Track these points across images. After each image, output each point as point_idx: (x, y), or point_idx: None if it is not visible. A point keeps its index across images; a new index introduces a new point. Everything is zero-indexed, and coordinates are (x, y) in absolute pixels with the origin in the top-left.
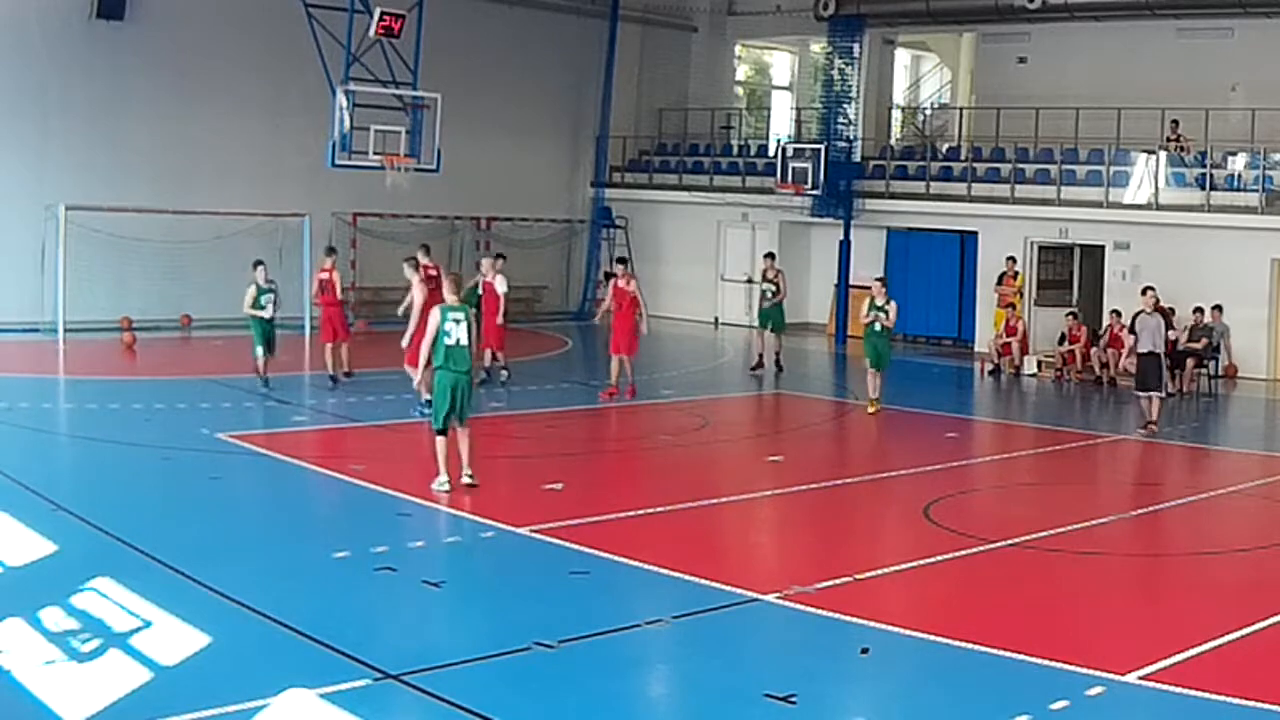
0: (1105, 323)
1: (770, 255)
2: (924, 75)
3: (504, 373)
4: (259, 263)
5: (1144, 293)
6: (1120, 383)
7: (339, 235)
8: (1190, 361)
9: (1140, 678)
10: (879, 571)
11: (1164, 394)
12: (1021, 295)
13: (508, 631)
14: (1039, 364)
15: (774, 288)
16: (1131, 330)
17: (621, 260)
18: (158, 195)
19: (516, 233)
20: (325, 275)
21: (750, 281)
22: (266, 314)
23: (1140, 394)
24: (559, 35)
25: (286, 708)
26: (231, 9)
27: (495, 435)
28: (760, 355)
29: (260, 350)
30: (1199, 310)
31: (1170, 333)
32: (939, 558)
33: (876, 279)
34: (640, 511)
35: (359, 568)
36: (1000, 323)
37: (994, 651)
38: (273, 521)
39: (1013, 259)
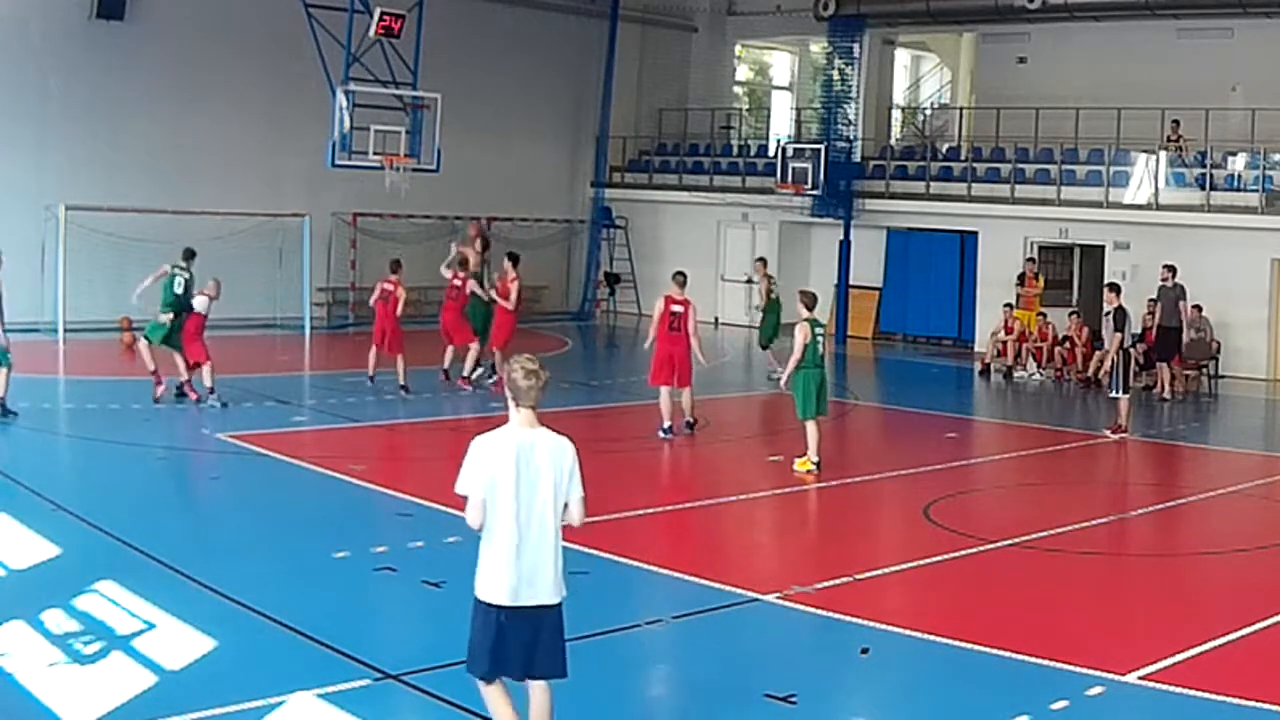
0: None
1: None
2: (924, 75)
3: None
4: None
5: (1111, 290)
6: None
7: (339, 235)
8: (1177, 360)
9: (1140, 678)
10: (879, 571)
11: (1125, 393)
12: (1039, 297)
13: None
14: (1038, 364)
15: None
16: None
17: (513, 256)
18: (158, 195)
19: (516, 233)
20: (390, 288)
21: (750, 282)
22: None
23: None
24: (559, 35)
25: (287, 708)
26: (231, 9)
27: None
28: None
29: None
30: (1197, 308)
31: (1119, 333)
32: (939, 558)
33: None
34: (640, 511)
35: (359, 568)
36: (1034, 325)
37: (994, 651)
38: (273, 521)
39: (1032, 260)
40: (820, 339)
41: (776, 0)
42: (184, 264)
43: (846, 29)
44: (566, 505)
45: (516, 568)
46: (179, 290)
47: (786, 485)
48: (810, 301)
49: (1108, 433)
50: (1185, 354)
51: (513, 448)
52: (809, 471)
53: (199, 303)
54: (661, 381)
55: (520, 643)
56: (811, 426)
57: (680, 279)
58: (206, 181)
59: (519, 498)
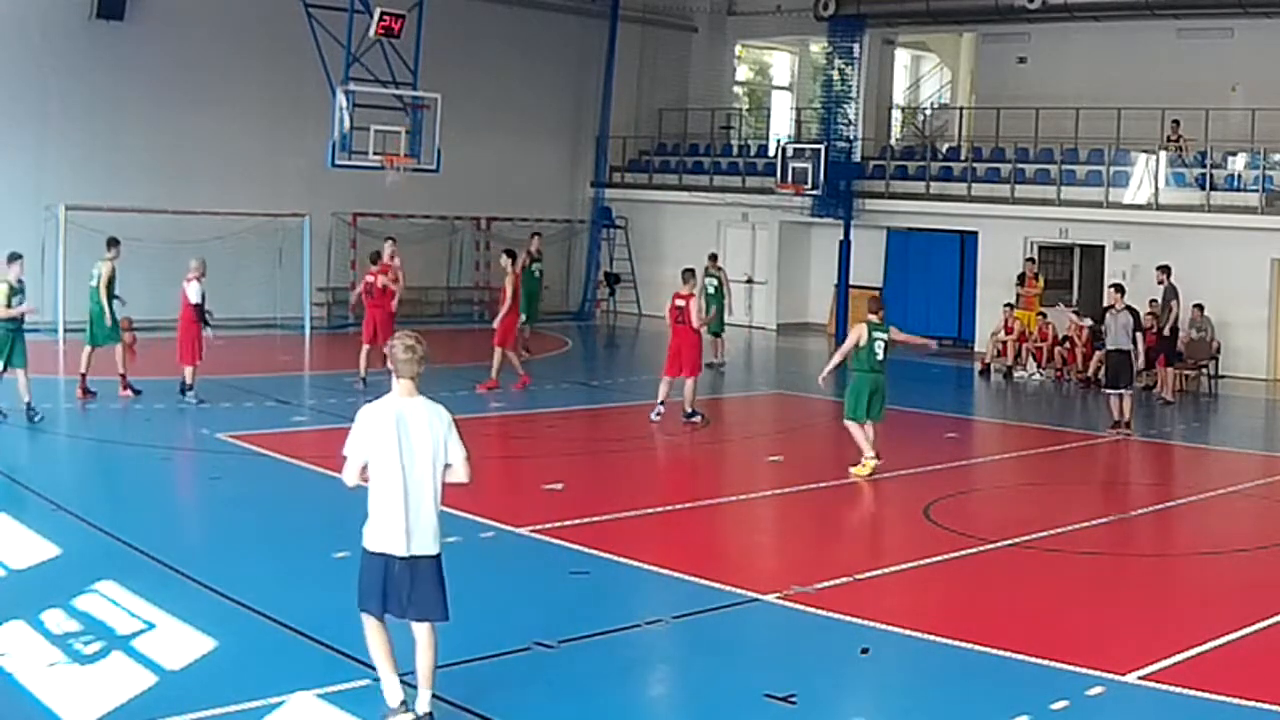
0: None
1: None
2: (924, 75)
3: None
4: (16, 256)
5: (1117, 290)
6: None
7: (339, 235)
8: (1161, 360)
9: (1140, 678)
10: (879, 571)
11: (1133, 391)
12: (1039, 297)
13: (508, 631)
14: (1038, 364)
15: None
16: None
17: (510, 253)
18: (158, 195)
19: (517, 233)
20: (371, 279)
21: (750, 282)
22: (28, 310)
23: (1110, 391)
24: (559, 35)
25: (287, 708)
26: (232, 9)
27: (495, 435)
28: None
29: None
30: (1199, 307)
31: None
32: (939, 558)
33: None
34: (640, 511)
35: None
36: (1034, 325)
37: (994, 651)
38: (273, 521)
39: (1032, 260)
40: (879, 343)
41: (776, 0)
42: (108, 255)
43: (846, 29)
44: (450, 466)
45: (400, 520)
46: (92, 282)
47: (786, 485)
48: (874, 306)
49: (1111, 431)
50: (1185, 354)
51: (393, 414)
52: (868, 473)
53: (191, 291)
54: (672, 373)
55: (402, 586)
56: (855, 428)
57: (687, 275)
58: (206, 181)
59: (401, 458)
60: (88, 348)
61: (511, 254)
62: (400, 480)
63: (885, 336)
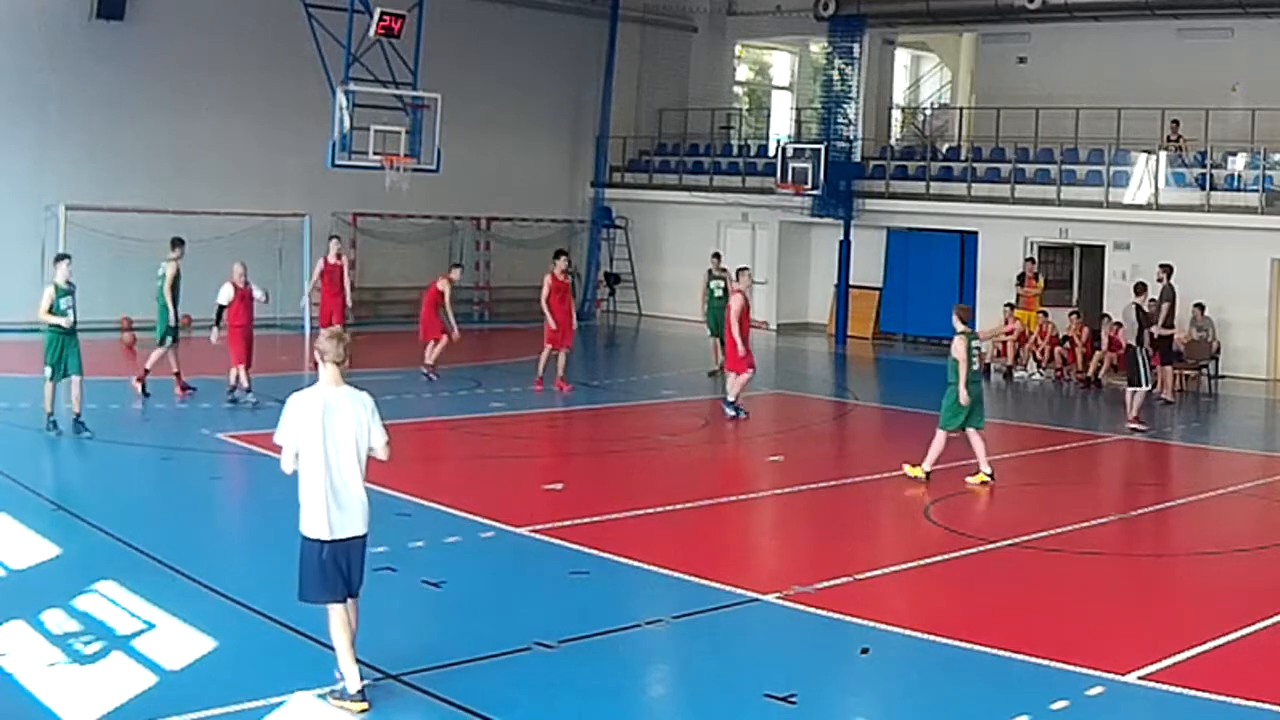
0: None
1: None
2: (924, 75)
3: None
4: (64, 257)
5: (1146, 289)
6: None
7: (339, 235)
8: (1156, 359)
9: (1140, 678)
10: (879, 571)
11: (1145, 388)
12: (1039, 297)
13: (508, 631)
14: (1038, 364)
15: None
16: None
17: (562, 252)
18: (158, 195)
19: (516, 233)
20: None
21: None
22: (65, 322)
23: (1143, 389)
24: (559, 35)
25: (287, 708)
26: (232, 9)
27: (496, 435)
28: None
29: (49, 371)
30: (1199, 307)
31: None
32: (939, 558)
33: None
34: (640, 511)
35: None
36: (1034, 325)
37: (994, 651)
38: (273, 522)
39: (1032, 260)
40: (976, 353)
41: (776, 0)
42: (172, 254)
43: (846, 29)
44: (373, 449)
45: (331, 505)
46: (157, 282)
47: (786, 485)
48: (964, 315)
49: (1130, 426)
50: (1185, 354)
51: (320, 402)
52: (919, 479)
53: (223, 293)
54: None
55: (340, 569)
56: (941, 438)
57: (739, 273)
58: (206, 181)
59: (326, 444)
60: (159, 349)
61: (564, 254)
62: (326, 466)
63: (980, 345)
